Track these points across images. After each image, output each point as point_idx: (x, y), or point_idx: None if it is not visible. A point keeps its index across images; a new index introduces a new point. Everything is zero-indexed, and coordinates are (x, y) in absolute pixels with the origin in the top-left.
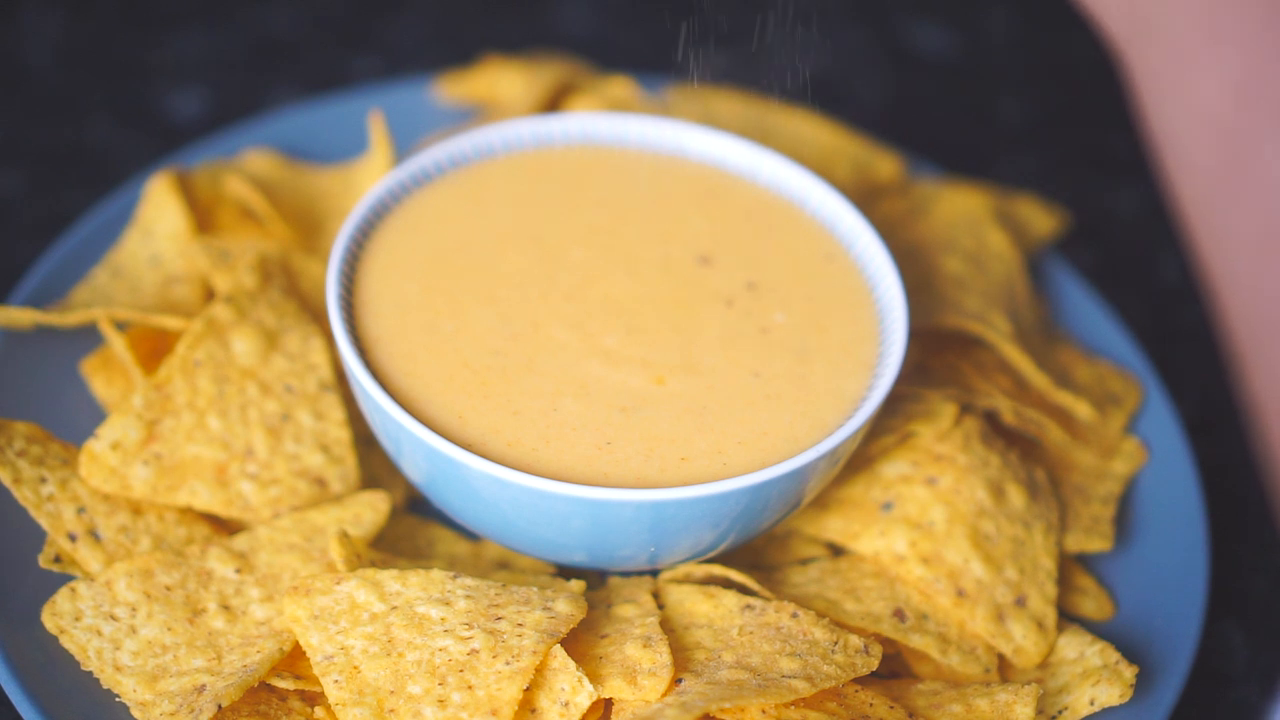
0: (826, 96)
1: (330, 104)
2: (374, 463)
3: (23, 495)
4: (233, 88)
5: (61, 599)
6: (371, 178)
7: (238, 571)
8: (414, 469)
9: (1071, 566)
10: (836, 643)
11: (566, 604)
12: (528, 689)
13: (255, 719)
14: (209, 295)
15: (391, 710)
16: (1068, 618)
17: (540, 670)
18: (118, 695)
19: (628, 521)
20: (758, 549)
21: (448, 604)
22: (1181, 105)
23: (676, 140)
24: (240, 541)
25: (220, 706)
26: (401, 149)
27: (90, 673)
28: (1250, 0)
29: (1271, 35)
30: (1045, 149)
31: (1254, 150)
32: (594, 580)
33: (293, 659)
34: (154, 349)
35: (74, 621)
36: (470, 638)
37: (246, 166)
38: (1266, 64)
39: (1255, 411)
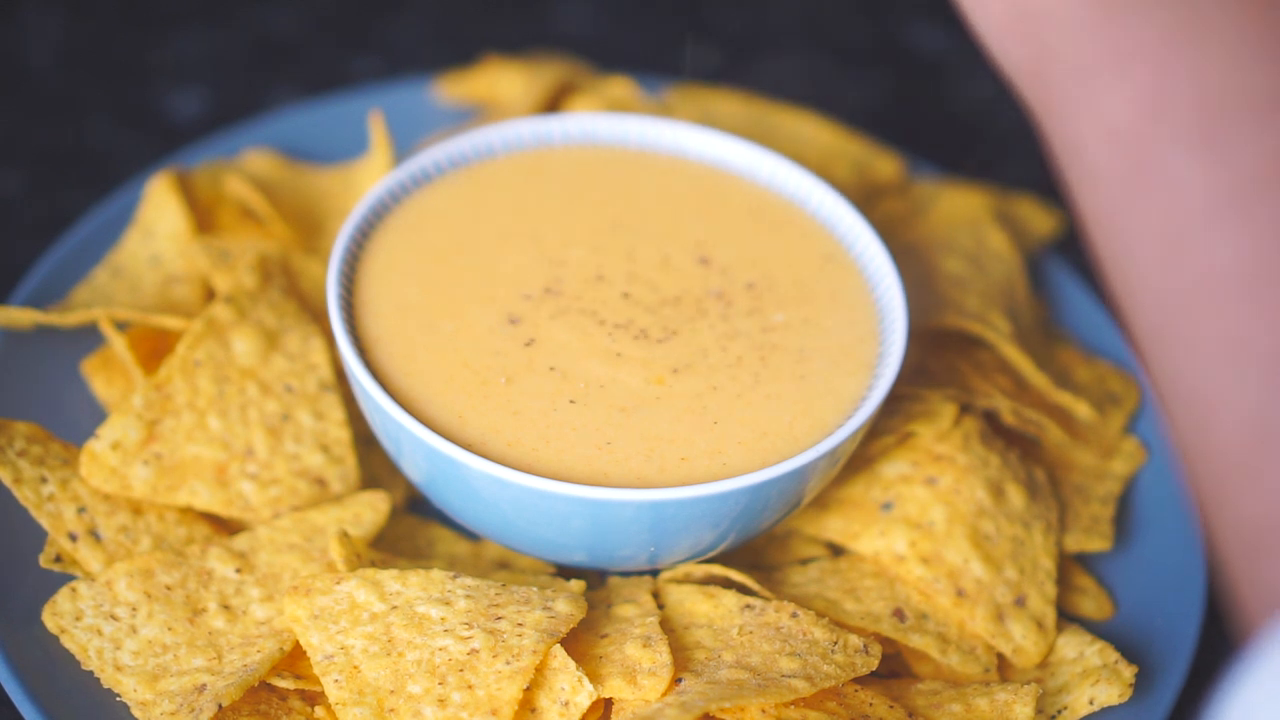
0: (826, 96)
1: (330, 104)
2: (374, 463)
3: (23, 495)
4: (233, 88)
5: (62, 599)
6: (371, 178)
7: (238, 571)
8: (414, 469)
9: (1071, 566)
10: (836, 642)
11: (566, 604)
12: (528, 689)
13: (255, 718)
14: (209, 295)
15: (391, 710)
16: (1067, 617)
17: (540, 670)
18: (118, 695)
19: (628, 521)
20: (758, 549)
21: (448, 604)
22: (1086, 122)
23: (676, 140)
24: (240, 541)
25: (220, 706)
26: (401, 149)
27: (91, 672)
28: (1153, 17)
29: (1175, 49)
30: (1045, 149)
31: (1159, 157)
32: (594, 580)
33: (293, 659)
34: (154, 349)
35: (74, 621)
36: (470, 637)
37: (246, 166)
38: (1170, 77)
39: (1163, 409)
